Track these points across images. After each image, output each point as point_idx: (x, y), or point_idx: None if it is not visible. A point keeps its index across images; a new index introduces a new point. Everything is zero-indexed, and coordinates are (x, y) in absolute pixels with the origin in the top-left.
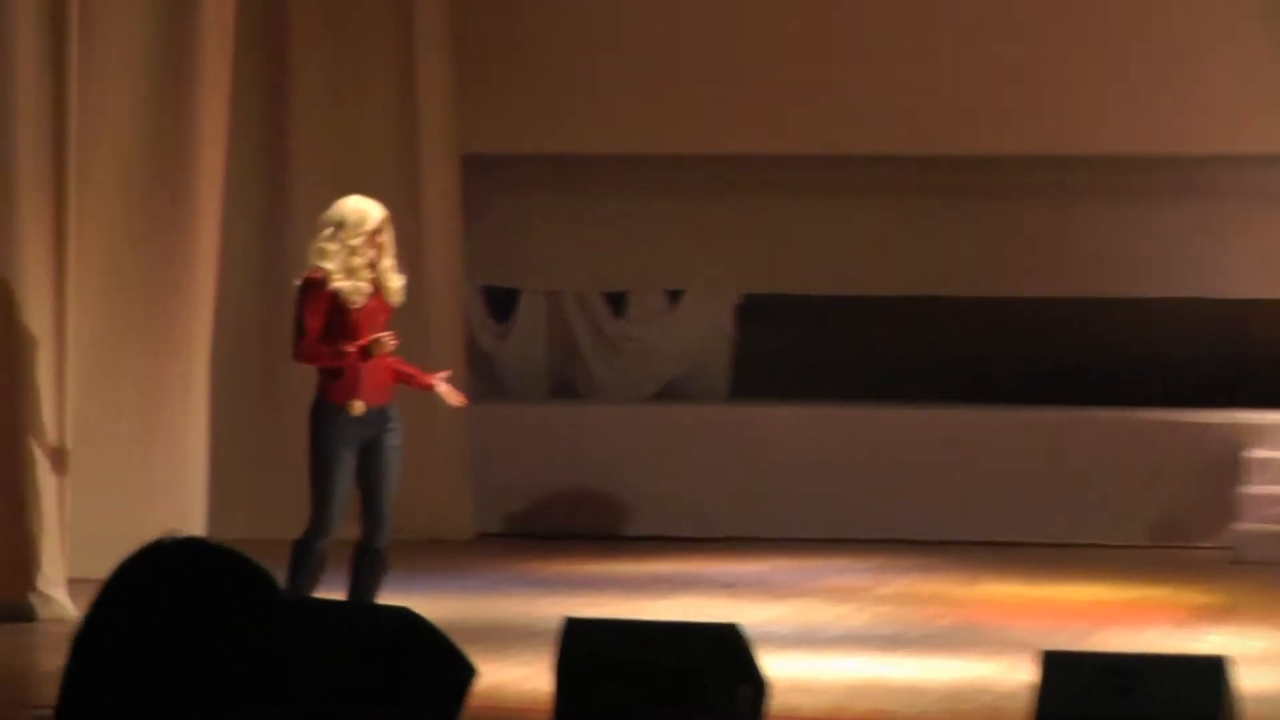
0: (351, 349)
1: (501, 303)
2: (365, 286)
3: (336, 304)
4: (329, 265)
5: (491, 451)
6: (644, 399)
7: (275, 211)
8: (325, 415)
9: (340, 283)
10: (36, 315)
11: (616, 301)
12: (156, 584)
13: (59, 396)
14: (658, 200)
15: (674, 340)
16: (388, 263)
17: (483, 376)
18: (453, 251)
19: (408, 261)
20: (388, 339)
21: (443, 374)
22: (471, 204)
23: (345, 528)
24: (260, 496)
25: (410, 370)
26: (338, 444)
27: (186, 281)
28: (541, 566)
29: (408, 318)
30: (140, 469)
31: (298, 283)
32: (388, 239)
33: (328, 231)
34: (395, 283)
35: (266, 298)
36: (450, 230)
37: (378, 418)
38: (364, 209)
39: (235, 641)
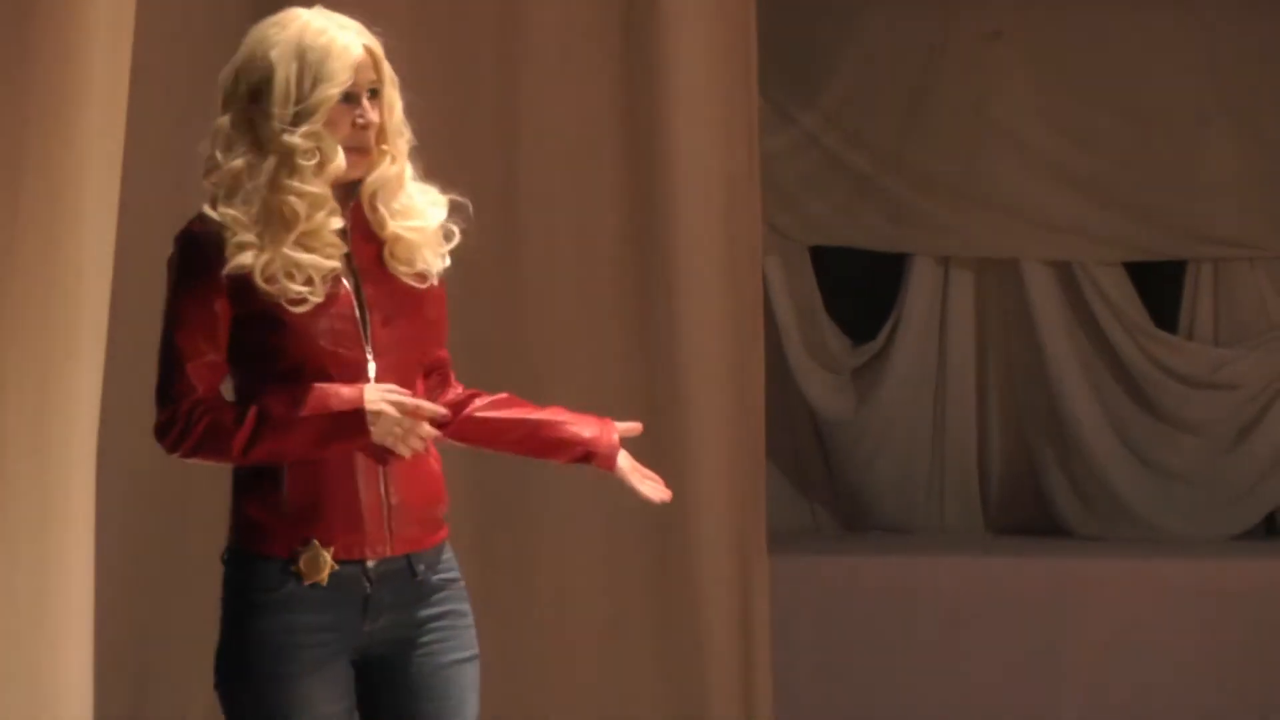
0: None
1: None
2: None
3: (258, 298)
4: (229, 211)
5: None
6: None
7: None
8: (250, 588)
9: (259, 257)
10: None
11: None
12: None
13: None
14: None
15: None
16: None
17: (812, 464)
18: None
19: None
20: (409, 401)
21: (629, 426)
22: None
23: None
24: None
25: (537, 417)
26: (284, 655)
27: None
28: None
29: (564, 313)
30: None
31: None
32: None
33: (223, 121)
34: (423, 219)
35: None
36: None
37: (398, 587)
38: (324, 36)
39: None
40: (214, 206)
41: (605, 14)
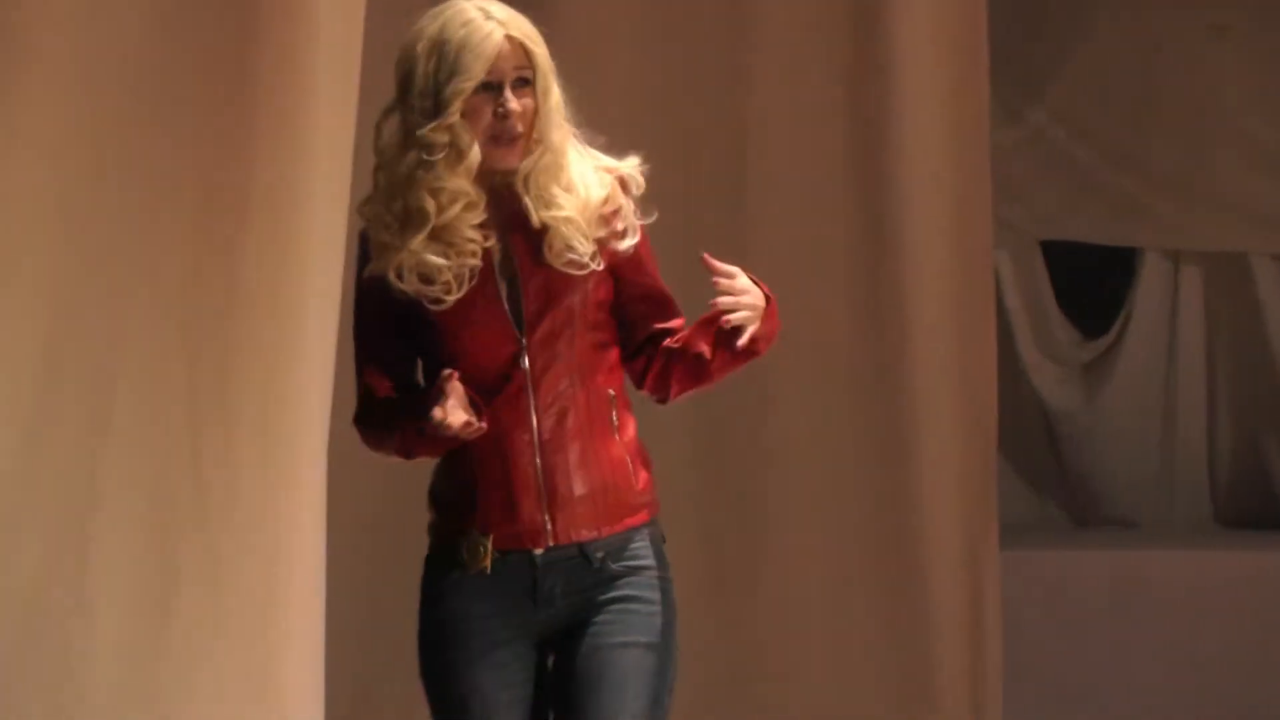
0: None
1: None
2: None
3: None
4: (372, 209)
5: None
6: None
7: None
8: (431, 575)
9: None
10: None
11: None
12: None
13: None
14: None
15: None
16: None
17: (1043, 458)
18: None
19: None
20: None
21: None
22: None
23: None
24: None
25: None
26: (453, 642)
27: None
28: None
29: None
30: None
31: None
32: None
33: (381, 121)
34: (583, 196)
35: None
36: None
37: (571, 575)
38: (464, 29)
39: None
40: (364, 203)
41: (834, 10)
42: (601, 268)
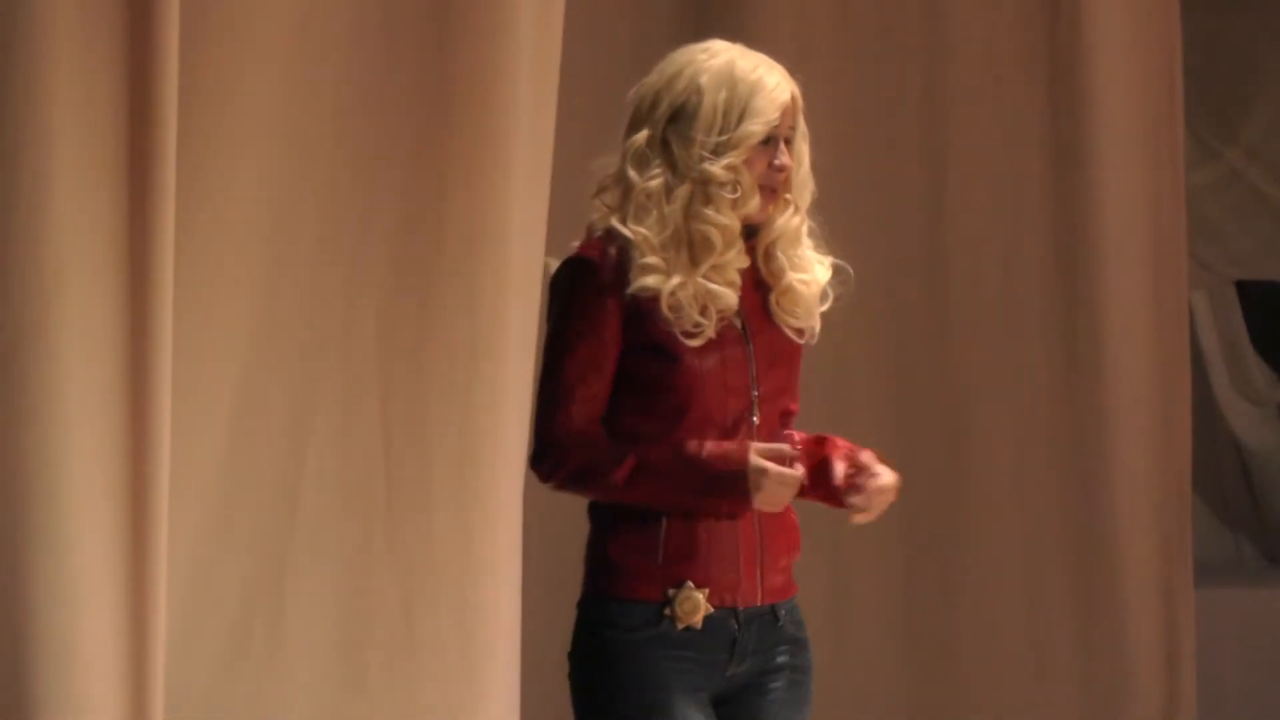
0: (709, 454)
1: None
2: (731, 288)
3: (652, 328)
4: (640, 230)
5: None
6: None
7: None
8: (617, 631)
9: (667, 282)
10: None
11: None
12: None
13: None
14: None
15: None
16: (794, 222)
17: (1237, 497)
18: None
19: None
20: (790, 452)
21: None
22: None
23: None
24: None
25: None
26: (657, 689)
27: None
28: None
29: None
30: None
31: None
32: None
33: (639, 138)
34: (813, 274)
35: None
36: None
37: (760, 633)
38: (756, 73)
39: None
40: (622, 223)
41: (1032, 45)
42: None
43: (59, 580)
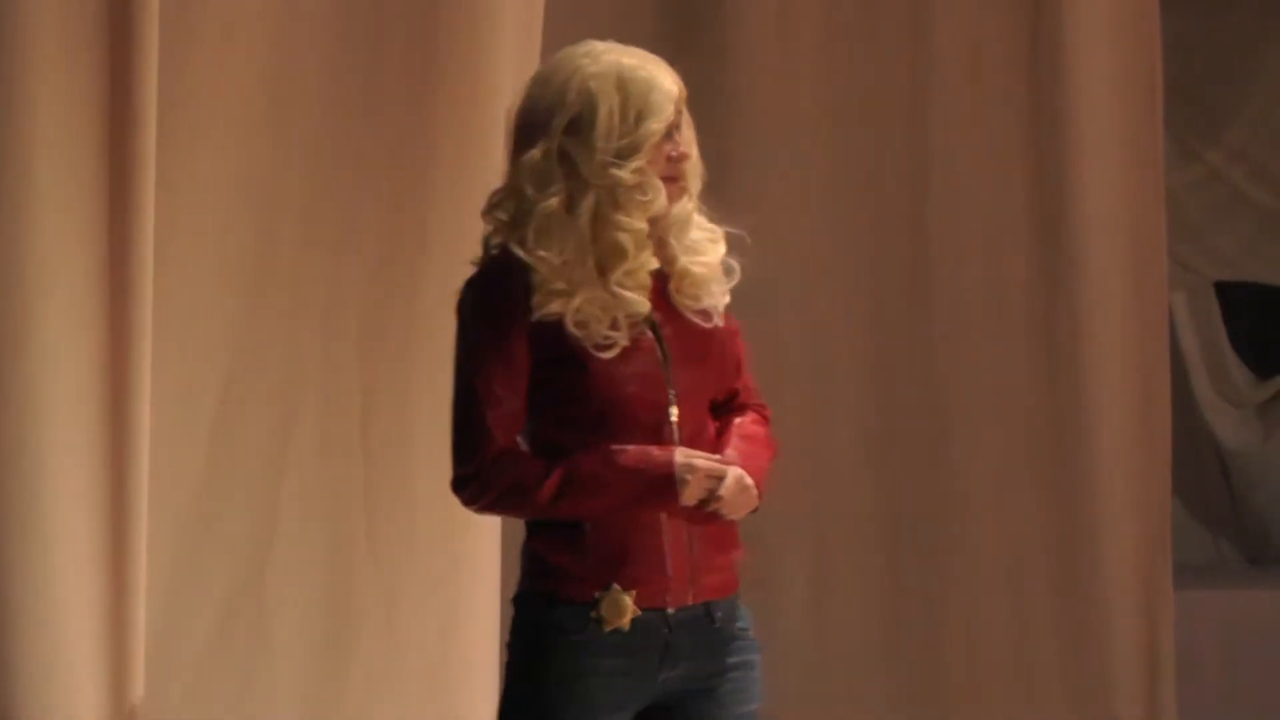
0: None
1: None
2: (643, 292)
3: (561, 342)
4: (540, 254)
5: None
6: None
7: None
8: (547, 632)
9: (570, 303)
10: None
11: None
12: None
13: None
14: None
15: None
16: (687, 208)
17: (1217, 498)
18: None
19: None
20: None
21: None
22: None
23: None
24: None
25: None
26: (580, 698)
27: None
28: None
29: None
30: None
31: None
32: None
33: (534, 154)
34: (706, 255)
35: None
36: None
37: (696, 635)
38: (644, 70)
39: None
40: (521, 244)
41: (1014, 48)
42: (725, 322)
43: (37, 582)
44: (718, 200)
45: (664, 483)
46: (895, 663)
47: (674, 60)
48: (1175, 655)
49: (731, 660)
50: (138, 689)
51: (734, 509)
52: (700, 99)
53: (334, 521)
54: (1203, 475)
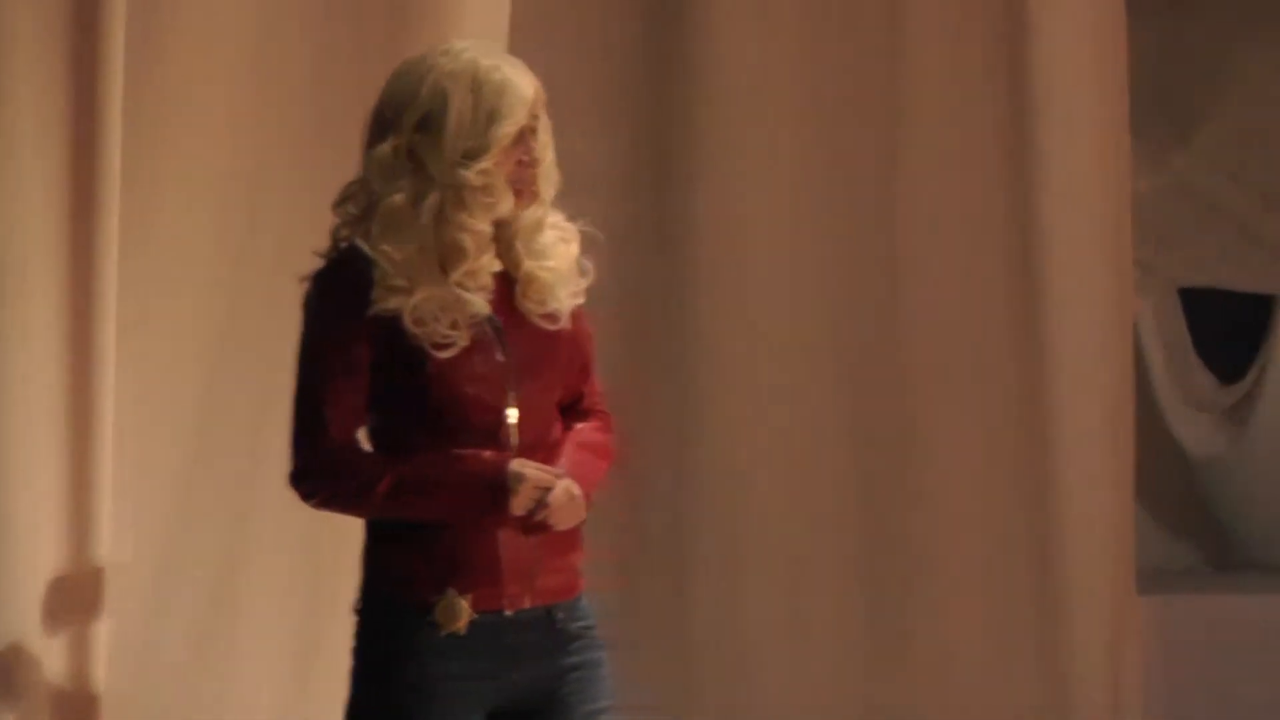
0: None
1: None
2: (484, 293)
3: (401, 340)
4: (383, 249)
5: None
6: None
7: None
8: (389, 636)
9: (409, 300)
10: None
11: None
12: None
13: None
14: None
15: None
16: (536, 213)
17: (1182, 503)
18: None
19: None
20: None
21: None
22: None
23: None
24: None
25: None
26: (421, 704)
27: None
28: None
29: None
30: None
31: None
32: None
33: (385, 149)
34: (554, 259)
35: None
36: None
37: (538, 637)
38: (499, 72)
39: None
40: (365, 238)
41: (988, 49)
42: (573, 324)
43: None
44: (688, 171)
45: (493, 490)
46: (864, 670)
47: (645, 32)
48: (1141, 661)
49: (574, 660)
50: (99, 696)
51: (561, 520)
52: (671, 70)
53: (309, 526)
54: (1168, 481)
